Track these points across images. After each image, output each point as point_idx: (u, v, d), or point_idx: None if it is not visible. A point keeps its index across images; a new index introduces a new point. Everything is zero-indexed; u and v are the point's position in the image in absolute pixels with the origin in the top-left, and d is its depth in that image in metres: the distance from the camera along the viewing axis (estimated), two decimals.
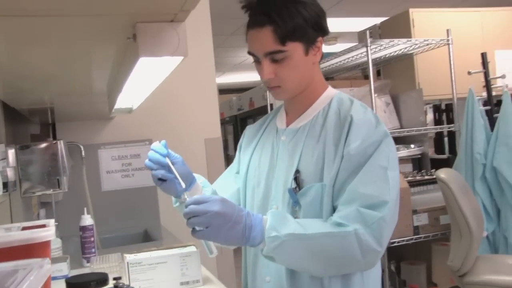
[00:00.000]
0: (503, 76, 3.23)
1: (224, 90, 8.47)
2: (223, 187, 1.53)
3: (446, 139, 4.25)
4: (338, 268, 1.21)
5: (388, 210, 1.18)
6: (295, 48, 1.24)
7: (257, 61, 1.29)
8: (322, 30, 1.30)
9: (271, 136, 1.43)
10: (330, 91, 1.38)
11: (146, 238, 2.69)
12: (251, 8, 1.27)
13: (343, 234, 1.15)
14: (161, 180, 1.31)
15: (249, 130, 1.55)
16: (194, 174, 1.41)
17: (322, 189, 1.25)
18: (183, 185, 1.28)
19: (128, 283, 1.47)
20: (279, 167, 1.35)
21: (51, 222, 1.31)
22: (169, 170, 1.29)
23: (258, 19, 1.24)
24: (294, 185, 1.28)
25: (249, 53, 1.31)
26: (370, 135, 1.23)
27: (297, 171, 1.29)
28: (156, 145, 1.30)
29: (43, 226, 1.28)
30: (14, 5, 0.81)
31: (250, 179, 1.45)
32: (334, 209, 1.24)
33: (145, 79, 1.19)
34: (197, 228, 1.14)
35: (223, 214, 1.13)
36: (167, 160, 1.29)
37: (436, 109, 4.30)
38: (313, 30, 1.26)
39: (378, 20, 4.22)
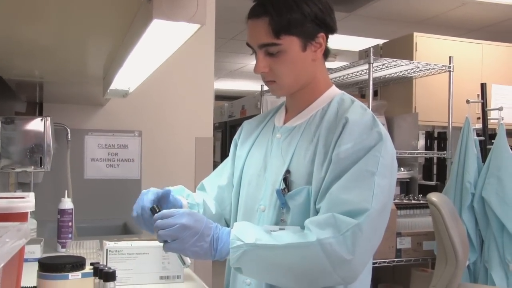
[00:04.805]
0: (500, 108, 3.22)
1: (217, 96, 8.41)
2: (213, 184, 1.49)
3: (435, 166, 4.24)
4: (310, 282, 1.12)
5: (366, 218, 1.08)
6: (290, 43, 1.19)
7: (255, 53, 1.24)
8: (325, 26, 1.23)
9: (268, 133, 1.36)
10: (333, 91, 1.31)
11: (125, 231, 2.59)
12: None
13: (306, 244, 1.08)
14: None
15: (247, 125, 1.47)
16: (180, 197, 1.37)
17: (309, 193, 1.18)
18: None
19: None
20: (270, 166, 1.29)
21: (31, 195, 1.22)
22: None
23: (256, 9, 1.20)
24: (283, 186, 1.22)
25: (247, 44, 1.25)
26: (362, 138, 1.15)
27: (287, 172, 1.22)
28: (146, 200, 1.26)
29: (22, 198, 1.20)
30: None
31: (244, 178, 1.38)
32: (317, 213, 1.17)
33: (153, 50, 1.12)
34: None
35: (190, 227, 1.11)
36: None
37: (428, 136, 4.29)
38: (313, 25, 1.20)
39: (380, 42, 4.21)
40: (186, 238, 1.10)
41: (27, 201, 1.06)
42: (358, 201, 1.10)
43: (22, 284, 1.23)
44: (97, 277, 1.03)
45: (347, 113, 1.20)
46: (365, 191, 1.11)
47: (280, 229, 1.19)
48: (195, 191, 1.53)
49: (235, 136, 1.49)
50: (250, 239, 1.11)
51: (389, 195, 1.16)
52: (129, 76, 1.53)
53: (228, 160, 1.50)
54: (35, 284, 1.33)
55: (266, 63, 1.21)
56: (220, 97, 9.10)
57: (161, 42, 1.02)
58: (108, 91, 1.78)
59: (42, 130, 1.96)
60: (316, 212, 1.16)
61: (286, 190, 1.21)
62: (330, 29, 1.25)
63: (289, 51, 1.19)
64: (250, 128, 1.45)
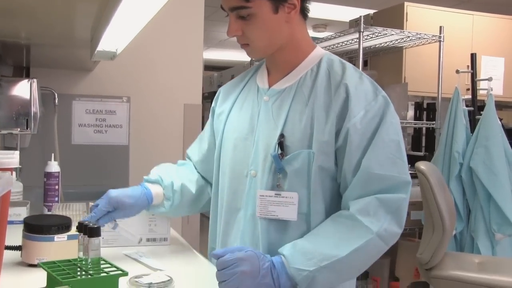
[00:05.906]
0: (489, 79, 3.22)
1: (206, 67, 8.32)
2: (195, 150, 1.52)
3: (424, 137, 4.25)
4: (370, 262, 1.19)
5: (409, 190, 1.15)
6: (260, 5, 1.16)
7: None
8: None
9: (252, 95, 1.33)
10: (319, 51, 1.29)
11: None
12: None
13: (366, 243, 1.12)
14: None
15: (224, 88, 1.45)
16: (147, 184, 1.46)
17: (310, 156, 1.17)
18: None
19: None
20: (260, 130, 1.26)
21: (16, 152, 1.20)
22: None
23: None
24: (279, 151, 1.20)
25: (221, 7, 1.23)
26: (371, 105, 1.17)
27: (282, 136, 1.20)
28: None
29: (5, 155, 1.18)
30: None
31: (227, 141, 1.34)
32: (330, 176, 1.18)
33: (140, 5, 1.09)
34: None
35: (250, 272, 1.06)
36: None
37: (418, 106, 4.29)
38: None
39: (370, 12, 4.17)
40: (249, 285, 1.06)
41: (12, 157, 1.04)
42: (397, 175, 1.14)
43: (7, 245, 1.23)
44: (81, 234, 1.02)
45: (345, 78, 1.20)
46: (399, 163, 1.15)
47: (276, 194, 1.19)
48: (184, 159, 1.54)
49: (213, 104, 1.46)
50: (312, 264, 1.10)
51: None
52: (117, 35, 1.50)
53: (207, 126, 1.49)
54: (20, 244, 1.32)
55: (238, 26, 1.20)
56: (210, 67, 9.01)
57: None
58: (96, 52, 1.74)
59: (29, 91, 1.92)
60: (330, 180, 1.19)
61: (282, 154, 1.20)
62: None
63: (259, 14, 1.17)
64: (228, 90, 1.43)
